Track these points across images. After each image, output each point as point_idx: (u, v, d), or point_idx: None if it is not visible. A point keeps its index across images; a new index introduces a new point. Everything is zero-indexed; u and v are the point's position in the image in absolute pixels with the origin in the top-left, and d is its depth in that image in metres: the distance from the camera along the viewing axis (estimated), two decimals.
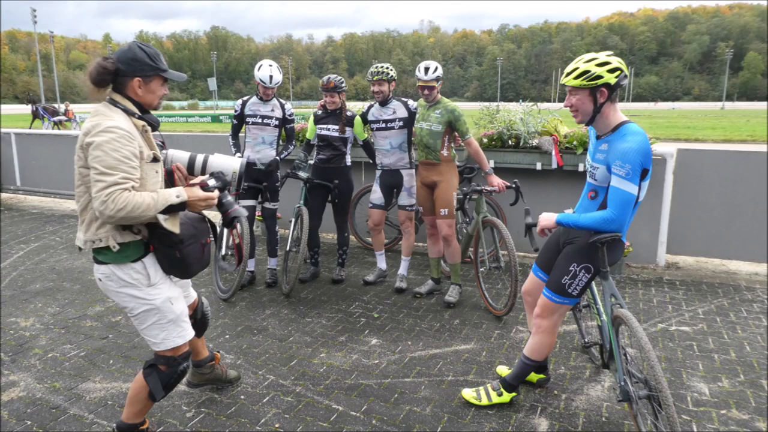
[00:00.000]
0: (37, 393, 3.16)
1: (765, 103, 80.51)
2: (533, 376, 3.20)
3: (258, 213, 5.11)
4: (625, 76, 2.53)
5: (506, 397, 2.99)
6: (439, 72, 4.34)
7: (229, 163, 2.60)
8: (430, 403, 3.04)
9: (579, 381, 3.28)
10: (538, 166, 5.44)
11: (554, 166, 5.34)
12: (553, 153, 5.30)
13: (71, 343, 3.81)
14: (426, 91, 4.34)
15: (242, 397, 3.12)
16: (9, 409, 3.00)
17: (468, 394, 3.05)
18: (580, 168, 5.25)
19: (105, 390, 3.18)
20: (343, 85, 4.84)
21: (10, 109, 66.06)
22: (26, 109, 26.70)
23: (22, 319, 4.22)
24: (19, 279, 5.18)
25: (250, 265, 5.00)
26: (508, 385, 2.99)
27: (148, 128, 2.32)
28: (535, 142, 5.49)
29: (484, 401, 2.99)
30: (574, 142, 5.25)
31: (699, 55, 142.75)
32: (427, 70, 4.31)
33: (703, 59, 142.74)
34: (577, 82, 2.51)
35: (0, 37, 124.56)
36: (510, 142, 5.54)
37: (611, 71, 2.48)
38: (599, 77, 2.47)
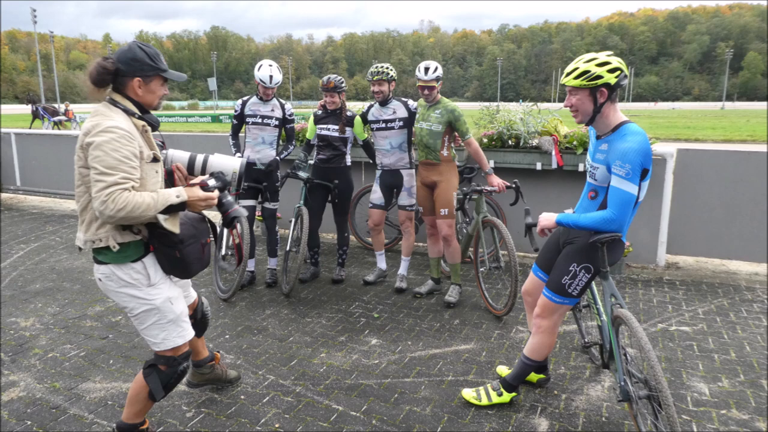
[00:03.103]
0: (37, 393, 3.16)
1: (765, 103, 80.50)
2: (533, 376, 3.21)
3: (258, 213, 5.11)
4: (625, 76, 2.53)
5: (506, 397, 2.99)
6: (439, 72, 4.34)
7: (229, 163, 2.60)
8: (430, 403, 3.04)
9: (579, 381, 3.28)
10: (538, 166, 5.44)
11: (554, 166, 5.33)
12: (553, 153, 5.30)
13: (71, 343, 3.81)
14: (426, 91, 4.34)
15: (242, 397, 3.12)
16: (9, 409, 3.00)
17: (468, 394, 3.06)
18: (580, 168, 5.25)
19: (105, 390, 3.18)
20: (343, 85, 4.84)
21: (10, 109, 66.07)
22: (26, 109, 26.68)
23: (22, 319, 4.22)
24: (19, 279, 5.18)
25: (250, 265, 5.00)
26: (508, 385, 2.99)
27: (148, 128, 2.32)
28: (535, 142, 5.49)
29: (484, 401, 3.00)
30: (574, 142, 5.25)
31: (699, 55, 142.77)
32: (427, 70, 4.31)
33: (703, 59, 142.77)
34: (577, 82, 2.51)
35: (0, 37, 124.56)
36: (510, 142, 5.54)
37: (611, 71, 2.48)
38: (599, 77, 2.48)
